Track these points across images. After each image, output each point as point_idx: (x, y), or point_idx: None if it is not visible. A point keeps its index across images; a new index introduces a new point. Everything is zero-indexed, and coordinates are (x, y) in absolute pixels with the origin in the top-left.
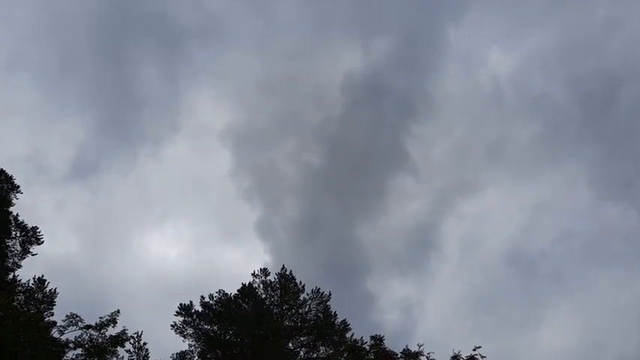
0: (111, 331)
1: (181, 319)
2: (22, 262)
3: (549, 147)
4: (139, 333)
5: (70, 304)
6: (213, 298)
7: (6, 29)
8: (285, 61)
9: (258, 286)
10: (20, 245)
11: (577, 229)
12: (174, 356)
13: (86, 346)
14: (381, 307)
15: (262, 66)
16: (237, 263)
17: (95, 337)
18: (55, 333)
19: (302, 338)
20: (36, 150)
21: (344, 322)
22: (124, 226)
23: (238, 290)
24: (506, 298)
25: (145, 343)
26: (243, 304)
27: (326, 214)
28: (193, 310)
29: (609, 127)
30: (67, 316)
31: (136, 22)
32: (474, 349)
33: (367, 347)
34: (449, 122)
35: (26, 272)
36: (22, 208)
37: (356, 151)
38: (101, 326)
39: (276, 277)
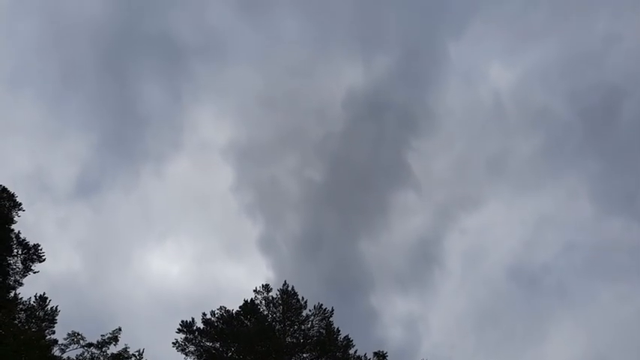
0: (112, 349)
1: (183, 336)
2: (24, 280)
3: (551, 160)
4: (141, 351)
5: (73, 322)
6: (214, 314)
7: (9, 46)
8: (287, 76)
9: (260, 302)
10: (22, 263)
11: (579, 242)
12: None
13: None
14: (385, 322)
15: (264, 82)
16: (239, 279)
17: (97, 355)
18: (56, 351)
19: (304, 355)
20: (39, 167)
21: (347, 338)
22: (127, 244)
23: (240, 307)
24: (509, 313)
25: None
26: (245, 321)
27: (328, 229)
28: (195, 327)
29: (611, 140)
30: (68, 334)
31: (139, 40)
32: None
33: None
34: (450, 137)
35: (28, 290)
36: (25, 225)
37: (358, 166)
38: (102, 344)
39: (278, 293)
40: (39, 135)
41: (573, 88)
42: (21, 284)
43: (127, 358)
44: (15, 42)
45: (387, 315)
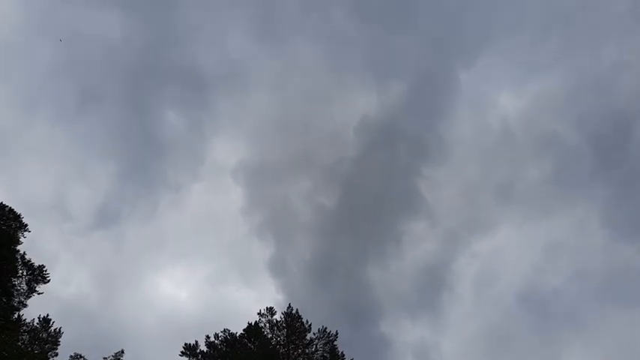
0: None
1: (186, 359)
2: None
3: (561, 186)
4: None
5: (84, 345)
6: (218, 337)
7: (30, 75)
8: (302, 102)
9: (265, 325)
10: (26, 284)
11: (590, 268)
12: None
13: None
14: (396, 349)
15: (279, 107)
16: (249, 302)
17: None
18: None
19: None
20: (59, 194)
21: None
22: (140, 268)
23: (244, 329)
24: (520, 338)
25: None
26: (249, 344)
27: (339, 255)
28: (198, 350)
29: (621, 166)
30: (70, 356)
31: (160, 70)
32: None
33: None
34: (460, 163)
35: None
36: (40, 248)
37: (369, 192)
38: None
39: (282, 316)
40: (60, 164)
41: (582, 114)
42: (25, 305)
43: None
44: (37, 70)
45: (398, 342)
